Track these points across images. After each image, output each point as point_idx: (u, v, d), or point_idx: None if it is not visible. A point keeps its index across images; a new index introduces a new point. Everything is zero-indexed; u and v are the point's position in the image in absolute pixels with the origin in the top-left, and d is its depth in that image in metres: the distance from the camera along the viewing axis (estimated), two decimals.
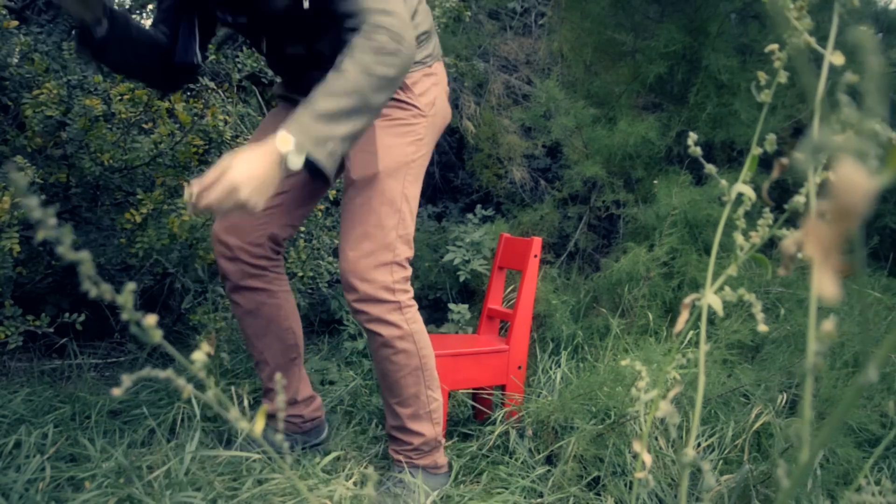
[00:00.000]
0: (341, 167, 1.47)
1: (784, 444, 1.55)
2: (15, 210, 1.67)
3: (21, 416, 1.66)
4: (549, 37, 3.74)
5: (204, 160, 2.14)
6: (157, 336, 0.40)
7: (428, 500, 1.44)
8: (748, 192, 0.61)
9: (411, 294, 1.43)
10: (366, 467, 1.60)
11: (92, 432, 1.60)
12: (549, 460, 1.63)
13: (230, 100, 2.43)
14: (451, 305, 2.60)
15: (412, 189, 1.42)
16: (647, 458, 0.62)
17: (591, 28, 2.92)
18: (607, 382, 1.66)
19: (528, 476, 1.54)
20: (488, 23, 3.91)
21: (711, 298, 0.60)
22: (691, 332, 1.88)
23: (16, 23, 1.84)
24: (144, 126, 2.15)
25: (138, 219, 1.90)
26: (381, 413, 1.89)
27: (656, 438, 1.55)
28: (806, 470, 0.38)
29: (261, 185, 1.05)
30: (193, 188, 1.04)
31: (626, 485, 1.50)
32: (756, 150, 0.62)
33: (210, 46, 2.08)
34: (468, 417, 1.95)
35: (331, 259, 2.40)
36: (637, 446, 0.61)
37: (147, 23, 2.59)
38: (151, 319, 0.39)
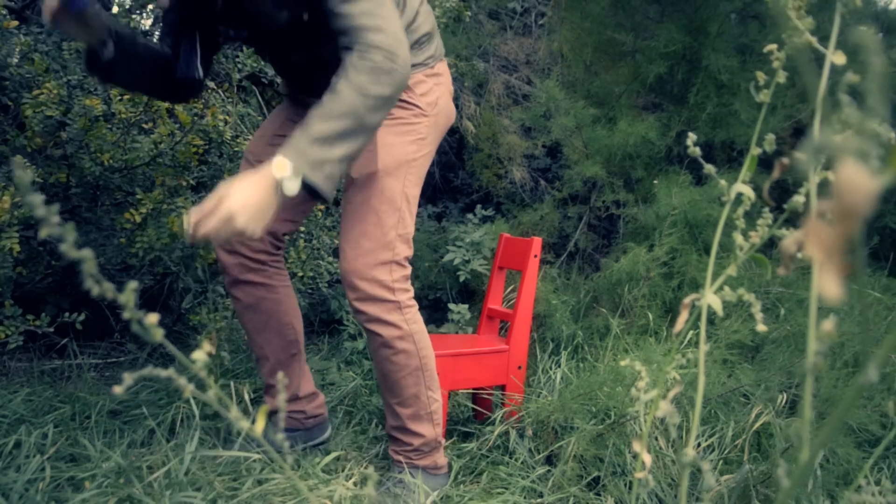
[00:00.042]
0: None
1: (784, 444, 1.55)
2: (15, 210, 1.67)
3: (21, 416, 1.66)
4: (549, 37, 3.74)
5: (204, 160, 2.14)
6: (159, 335, 0.40)
7: (428, 500, 1.44)
8: (747, 192, 0.61)
9: (411, 294, 1.42)
10: (366, 467, 1.60)
11: (92, 432, 1.60)
12: (549, 460, 1.63)
13: (230, 100, 2.43)
14: (451, 305, 2.60)
15: (413, 188, 1.41)
16: (647, 458, 0.62)
17: (591, 28, 2.92)
18: (607, 382, 1.67)
19: (528, 476, 1.54)
20: (488, 23, 3.91)
21: (711, 298, 0.60)
22: (691, 332, 1.88)
23: (16, 23, 1.84)
24: (144, 126, 2.15)
25: (138, 218, 1.91)
26: (381, 413, 1.89)
27: (656, 438, 1.55)
28: (806, 470, 0.38)
29: (257, 213, 1.07)
30: (192, 217, 1.06)
31: (626, 485, 1.50)
32: (755, 151, 0.62)
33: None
34: (468, 417, 1.95)
35: (331, 259, 2.40)
36: (637, 446, 0.61)
37: (148, 22, 2.59)
38: (153, 318, 0.39)
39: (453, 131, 3.63)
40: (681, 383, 0.70)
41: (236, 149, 2.14)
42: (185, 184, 2.06)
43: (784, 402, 1.67)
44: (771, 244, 2.27)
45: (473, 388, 1.88)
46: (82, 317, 1.79)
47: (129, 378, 0.41)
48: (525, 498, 1.48)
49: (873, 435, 1.64)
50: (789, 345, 2.01)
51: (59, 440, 1.52)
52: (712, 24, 2.60)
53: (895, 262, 2.80)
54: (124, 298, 0.38)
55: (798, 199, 0.58)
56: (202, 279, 2.19)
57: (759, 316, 0.60)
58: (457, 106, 3.45)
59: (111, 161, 1.96)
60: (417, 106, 1.42)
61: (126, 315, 0.39)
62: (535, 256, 1.87)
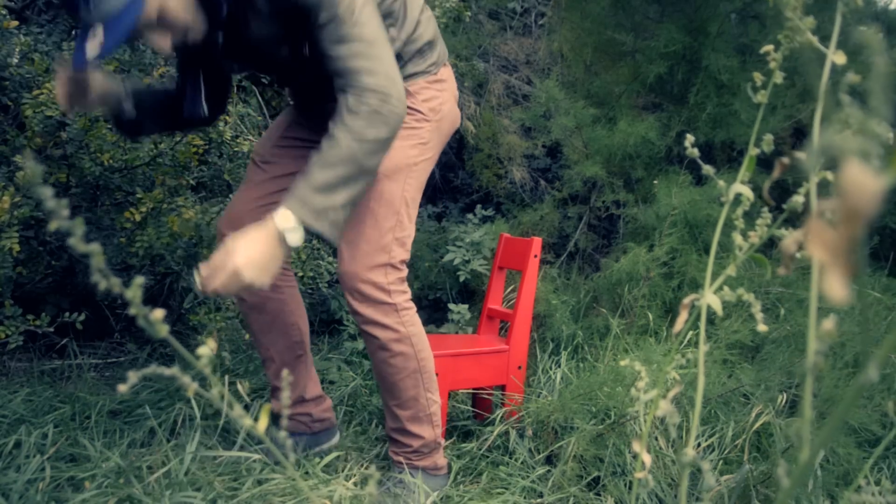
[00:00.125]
0: None
1: (784, 444, 1.55)
2: (15, 210, 1.67)
3: (21, 416, 1.66)
4: (549, 37, 3.75)
5: (204, 160, 2.14)
6: (164, 330, 0.40)
7: (428, 500, 1.44)
8: (746, 192, 0.61)
9: (408, 296, 1.42)
10: (366, 468, 1.60)
11: (92, 432, 1.60)
12: (549, 460, 1.63)
13: (230, 100, 2.43)
14: (451, 305, 2.60)
15: (413, 192, 1.41)
16: (647, 458, 0.62)
17: (591, 28, 2.92)
18: (607, 382, 1.66)
19: (528, 476, 1.54)
20: (488, 23, 3.91)
21: (710, 298, 0.60)
22: (691, 332, 1.88)
23: (16, 23, 1.84)
24: None
25: (138, 218, 1.91)
26: (381, 413, 1.89)
27: (656, 438, 1.55)
28: (806, 470, 0.38)
29: (263, 267, 1.11)
30: (202, 272, 1.11)
31: (626, 485, 1.50)
32: (754, 151, 0.62)
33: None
34: (468, 417, 1.95)
35: (331, 259, 2.40)
36: (637, 446, 0.61)
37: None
38: (159, 314, 0.40)
39: (453, 131, 3.63)
40: (681, 383, 0.70)
41: (236, 149, 2.15)
42: (185, 183, 2.06)
43: (784, 402, 1.67)
44: (771, 244, 2.27)
45: (473, 388, 1.88)
46: (82, 317, 1.79)
47: (133, 376, 0.41)
48: (525, 498, 1.48)
49: (874, 434, 1.64)
50: (789, 345, 2.01)
51: (59, 440, 1.52)
52: (712, 24, 2.60)
53: (895, 262, 2.80)
54: (131, 294, 0.38)
55: (797, 199, 0.58)
56: None
57: (759, 316, 0.60)
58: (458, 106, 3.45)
59: (111, 161, 1.96)
60: (419, 111, 1.42)
61: (132, 311, 0.39)
62: (535, 256, 1.87)
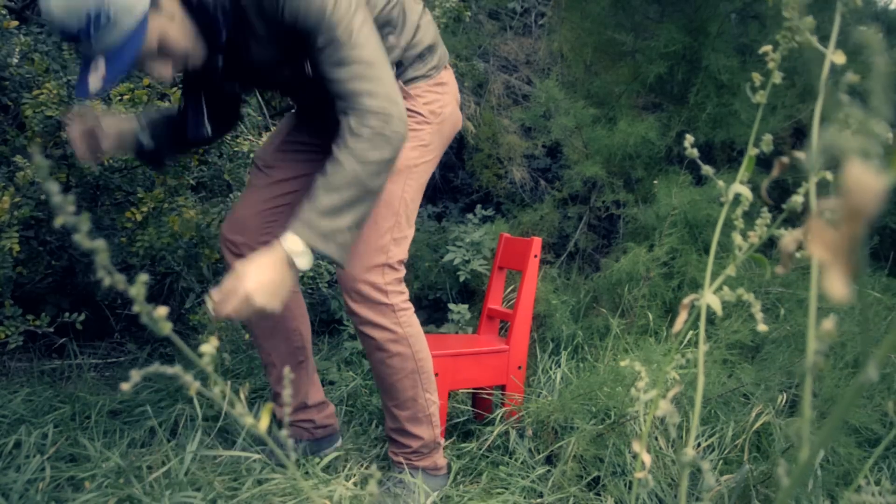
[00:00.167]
0: None
1: (784, 443, 1.55)
2: (15, 210, 1.67)
3: (21, 416, 1.66)
4: (549, 37, 3.75)
5: (204, 160, 2.14)
6: (167, 328, 0.40)
7: (428, 500, 1.44)
8: (745, 192, 0.61)
9: (406, 297, 1.42)
10: (366, 468, 1.60)
11: (92, 432, 1.60)
12: (549, 460, 1.63)
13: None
14: (451, 305, 2.60)
15: (412, 193, 1.41)
16: (647, 458, 0.62)
17: (591, 28, 2.92)
18: (607, 382, 1.66)
19: (528, 476, 1.54)
20: (488, 23, 3.91)
21: (710, 298, 0.60)
22: (691, 332, 1.88)
23: (16, 23, 1.84)
24: None
25: (139, 217, 1.91)
26: (380, 413, 1.89)
27: (656, 438, 1.55)
28: (806, 469, 0.38)
29: (273, 291, 1.13)
30: (213, 297, 1.13)
31: (626, 485, 1.50)
32: (753, 151, 0.62)
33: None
34: (468, 417, 1.95)
35: None
36: (637, 446, 0.61)
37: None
38: (162, 311, 0.40)
39: (455, 134, 3.63)
40: (681, 383, 0.70)
41: (236, 149, 2.14)
42: (185, 183, 2.06)
43: (784, 401, 1.67)
44: (770, 244, 2.27)
45: (473, 388, 1.88)
46: (82, 317, 1.79)
47: (136, 375, 0.41)
48: (525, 498, 1.48)
49: (874, 434, 1.64)
50: (789, 345, 2.01)
51: (59, 440, 1.52)
52: (712, 24, 2.60)
53: (895, 262, 2.80)
54: (134, 291, 0.38)
55: (797, 198, 0.58)
56: (206, 278, 2.19)
57: (759, 316, 0.60)
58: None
59: (111, 161, 1.96)
60: (420, 113, 1.42)
61: (136, 308, 0.39)
62: (535, 256, 1.87)
